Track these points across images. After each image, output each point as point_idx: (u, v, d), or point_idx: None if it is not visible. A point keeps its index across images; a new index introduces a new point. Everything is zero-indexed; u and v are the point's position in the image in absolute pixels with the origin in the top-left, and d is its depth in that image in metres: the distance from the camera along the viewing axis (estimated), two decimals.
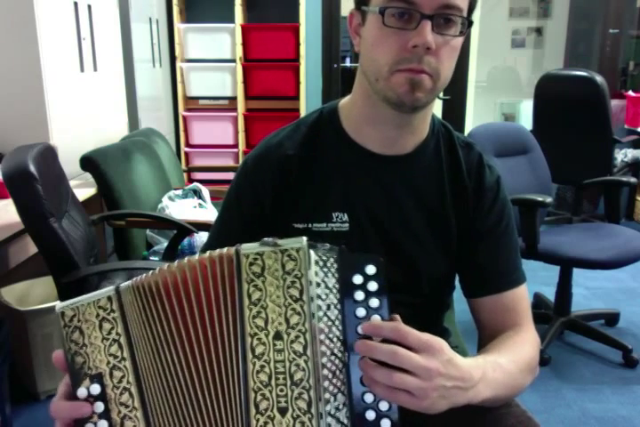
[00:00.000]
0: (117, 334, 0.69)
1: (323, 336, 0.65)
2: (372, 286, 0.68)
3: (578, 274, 2.52)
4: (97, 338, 0.70)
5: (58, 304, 0.71)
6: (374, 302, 0.68)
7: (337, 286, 0.68)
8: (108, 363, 0.69)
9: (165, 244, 2.41)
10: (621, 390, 2.19)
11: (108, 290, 0.71)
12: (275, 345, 0.64)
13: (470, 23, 0.84)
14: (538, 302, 2.80)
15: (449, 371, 0.68)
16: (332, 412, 0.65)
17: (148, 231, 2.54)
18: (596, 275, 3.14)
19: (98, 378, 0.69)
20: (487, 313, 0.96)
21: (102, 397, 0.69)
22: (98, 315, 0.70)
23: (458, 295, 1.03)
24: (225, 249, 0.68)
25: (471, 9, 0.84)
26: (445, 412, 0.73)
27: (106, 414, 0.68)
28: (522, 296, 0.96)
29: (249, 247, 0.67)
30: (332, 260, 0.68)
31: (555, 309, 2.57)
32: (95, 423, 0.68)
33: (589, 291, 3.11)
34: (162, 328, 0.69)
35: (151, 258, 2.44)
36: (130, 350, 0.69)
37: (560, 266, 2.48)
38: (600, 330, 2.51)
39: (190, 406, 0.68)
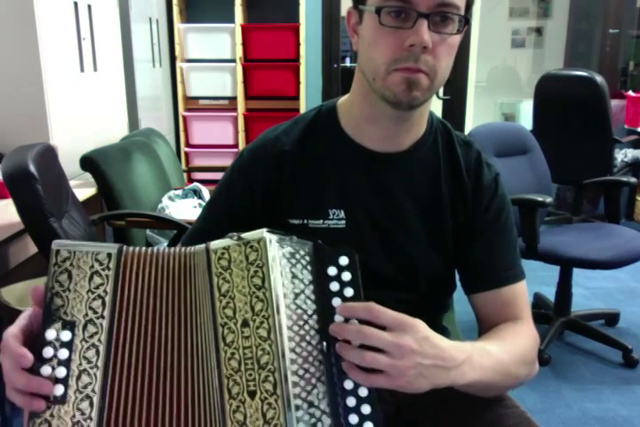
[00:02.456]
0: (105, 291, 0.70)
1: (290, 323, 0.68)
2: (346, 276, 0.71)
3: (578, 274, 2.53)
4: (83, 287, 0.70)
5: (56, 241, 0.71)
6: (349, 292, 0.70)
7: (311, 277, 0.70)
8: (86, 315, 0.70)
9: (165, 244, 2.41)
10: (621, 390, 2.20)
11: (110, 246, 0.72)
12: (243, 333, 0.67)
13: (467, 21, 0.84)
14: (538, 302, 2.80)
15: (424, 348, 0.69)
16: (313, 400, 0.67)
17: (147, 231, 2.54)
18: (596, 275, 3.14)
19: (70, 325, 0.69)
20: (486, 309, 0.96)
21: (69, 345, 0.69)
22: (92, 266, 0.71)
23: (459, 296, 1.04)
24: (197, 246, 0.71)
25: (468, 6, 0.84)
26: (442, 412, 0.73)
27: (66, 363, 0.68)
28: (520, 292, 0.96)
29: (216, 243, 0.70)
30: (302, 252, 0.71)
31: (555, 309, 2.57)
32: (54, 368, 0.68)
33: (589, 291, 3.11)
34: (154, 305, 0.70)
35: None
36: (111, 310, 0.70)
37: (560, 266, 2.48)
38: (600, 330, 2.51)
39: (162, 389, 0.69)
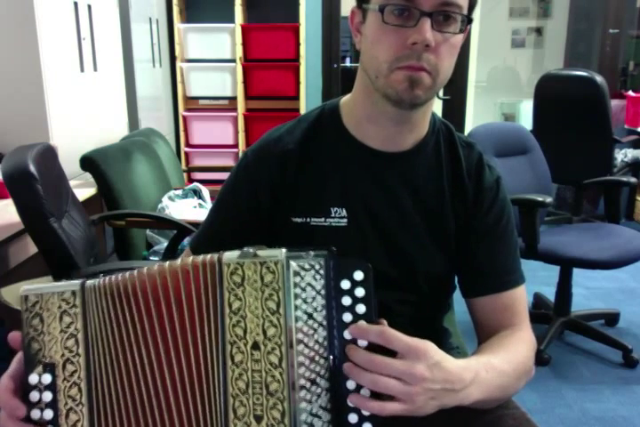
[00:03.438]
0: (76, 329, 0.71)
1: (301, 347, 0.66)
2: (360, 292, 0.69)
3: (578, 274, 2.52)
4: (55, 329, 0.71)
5: (24, 286, 0.73)
6: (361, 308, 0.69)
7: (324, 291, 0.68)
8: (63, 355, 0.71)
9: (165, 244, 2.41)
10: (621, 390, 2.20)
11: (74, 284, 0.72)
12: (252, 355, 0.66)
13: (470, 20, 0.84)
14: (538, 302, 2.80)
15: (435, 374, 0.68)
16: (310, 420, 0.66)
17: (147, 231, 2.54)
18: (596, 275, 3.14)
19: (50, 368, 0.71)
20: (484, 313, 0.96)
21: (52, 387, 0.70)
22: (60, 306, 0.71)
23: (458, 296, 1.03)
24: (208, 256, 0.69)
25: (471, 6, 0.85)
26: (442, 414, 0.73)
27: (53, 404, 0.70)
28: (520, 296, 0.96)
29: (230, 256, 0.68)
30: (317, 266, 0.68)
31: (555, 309, 2.57)
32: (42, 410, 0.70)
33: (589, 291, 3.11)
34: (133, 330, 0.70)
35: (151, 258, 2.44)
36: (85, 347, 0.71)
37: (560, 266, 2.48)
38: (600, 330, 2.51)
39: (157, 408, 0.68)
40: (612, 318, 2.72)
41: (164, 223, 2.32)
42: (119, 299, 0.70)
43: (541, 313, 2.65)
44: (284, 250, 0.67)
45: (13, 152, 1.75)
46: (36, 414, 0.70)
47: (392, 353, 0.68)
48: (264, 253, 0.68)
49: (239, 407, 0.66)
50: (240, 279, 0.67)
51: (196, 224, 2.27)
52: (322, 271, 0.68)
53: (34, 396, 0.70)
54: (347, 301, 0.68)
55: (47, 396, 0.70)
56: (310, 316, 0.67)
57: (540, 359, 2.34)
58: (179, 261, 0.70)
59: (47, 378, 0.70)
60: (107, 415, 0.70)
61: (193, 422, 0.68)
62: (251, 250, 0.68)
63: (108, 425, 0.70)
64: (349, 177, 0.94)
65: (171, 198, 2.67)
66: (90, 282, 0.71)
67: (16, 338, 0.72)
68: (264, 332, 0.66)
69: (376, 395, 0.68)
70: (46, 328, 0.71)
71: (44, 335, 0.71)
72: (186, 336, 0.68)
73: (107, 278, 0.71)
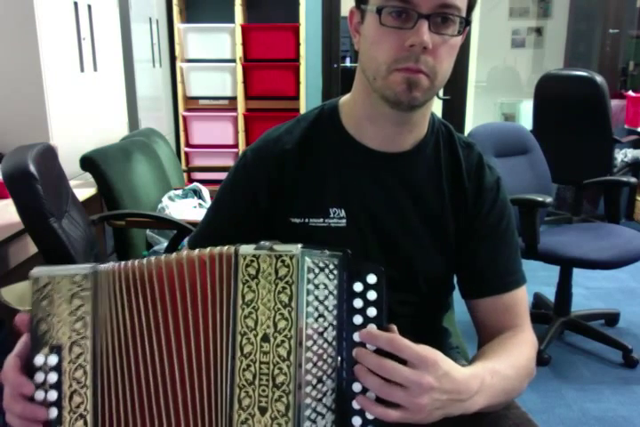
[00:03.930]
0: (85, 312, 0.71)
1: (310, 343, 0.67)
2: (372, 295, 0.69)
3: (578, 274, 2.52)
4: (64, 311, 0.71)
5: (36, 268, 0.73)
6: (372, 312, 0.69)
7: (335, 292, 0.69)
8: (70, 337, 0.71)
9: (165, 244, 2.41)
10: (621, 390, 2.20)
11: (86, 267, 0.72)
12: (262, 347, 0.67)
13: (468, 23, 0.83)
14: (538, 302, 2.80)
15: (443, 385, 0.68)
16: (314, 417, 0.67)
17: (147, 231, 2.54)
18: (596, 275, 3.14)
19: (57, 349, 0.71)
20: (485, 314, 0.96)
21: (58, 368, 0.70)
22: (70, 289, 0.71)
23: (458, 296, 1.03)
24: (225, 247, 0.70)
25: (470, 8, 0.84)
26: None
27: (57, 386, 0.70)
28: (521, 297, 0.96)
29: (246, 249, 0.69)
30: (331, 266, 0.69)
31: (555, 309, 2.57)
32: (46, 391, 0.70)
33: (589, 291, 3.11)
34: (145, 316, 0.70)
35: None
36: (93, 330, 0.71)
37: (560, 266, 2.48)
38: (600, 330, 2.51)
39: (162, 395, 0.69)
40: (611, 318, 2.72)
41: (164, 223, 2.32)
42: (134, 284, 0.71)
43: (541, 313, 2.65)
44: (299, 245, 0.68)
45: (13, 152, 1.74)
46: (40, 395, 0.70)
47: (400, 359, 0.68)
48: (280, 247, 0.68)
49: (244, 398, 0.66)
50: (255, 272, 0.68)
51: (195, 224, 2.27)
52: (335, 272, 0.69)
53: (39, 377, 0.70)
54: (358, 303, 0.69)
55: (52, 377, 0.70)
56: (321, 314, 0.68)
57: (540, 359, 2.34)
58: (196, 251, 0.71)
59: (53, 360, 0.70)
60: (111, 399, 0.70)
61: (197, 411, 0.68)
62: (267, 243, 0.68)
63: (111, 409, 0.70)
64: (348, 177, 0.94)
65: (171, 198, 2.67)
66: (103, 266, 0.72)
67: (23, 320, 0.72)
68: (275, 324, 0.66)
69: (382, 400, 0.68)
70: (55, 310, 0.71)
71: (52, 317, 0.71)
72: (197, 325, 0.69)
73: (122, 263, 0.72)
